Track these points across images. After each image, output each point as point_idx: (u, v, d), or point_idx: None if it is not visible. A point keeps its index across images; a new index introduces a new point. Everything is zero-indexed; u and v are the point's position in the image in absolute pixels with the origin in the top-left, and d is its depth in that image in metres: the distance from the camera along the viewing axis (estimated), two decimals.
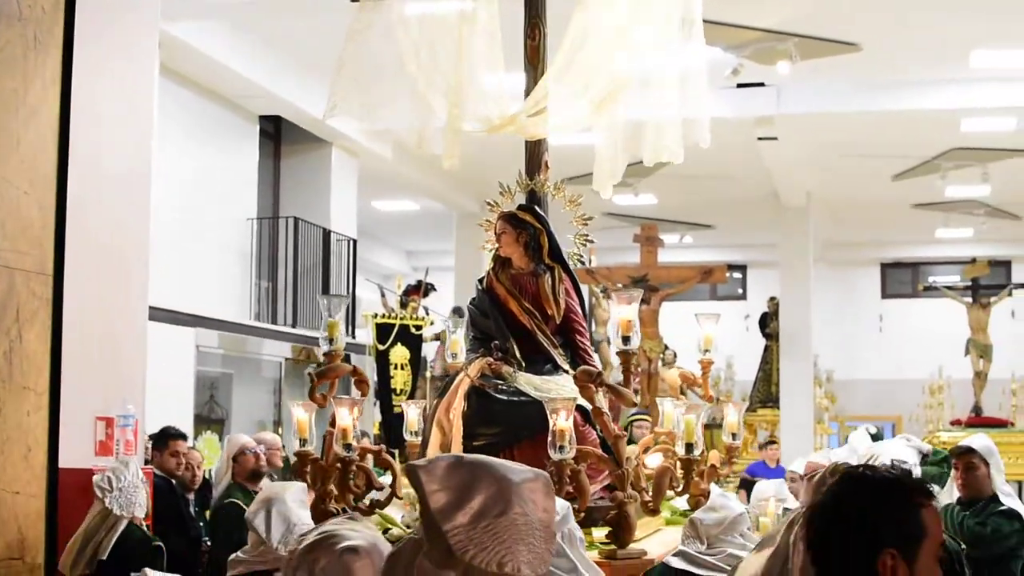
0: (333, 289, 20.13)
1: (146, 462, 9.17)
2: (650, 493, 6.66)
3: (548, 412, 5.94)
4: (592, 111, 7.29)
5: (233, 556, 6.31)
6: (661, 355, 21.05)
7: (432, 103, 7.44)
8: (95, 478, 7.82)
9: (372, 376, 14.83)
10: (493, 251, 7.48)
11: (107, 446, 8.72)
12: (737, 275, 32.99)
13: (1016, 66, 17.61)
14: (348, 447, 6.36)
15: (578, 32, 7.18)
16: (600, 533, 6.06)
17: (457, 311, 21.33)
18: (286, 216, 19.90)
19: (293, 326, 19.59)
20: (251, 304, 18.97)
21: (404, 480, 6.80)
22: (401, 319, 17.65)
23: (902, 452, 7.93)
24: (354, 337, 18.91)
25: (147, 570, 5.26)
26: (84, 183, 8.48)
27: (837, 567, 3.06)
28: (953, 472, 8.25)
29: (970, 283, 25.69)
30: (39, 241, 7.95)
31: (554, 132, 7.49)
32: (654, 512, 6.77)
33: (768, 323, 27.37)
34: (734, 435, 7.18)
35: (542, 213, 7.41)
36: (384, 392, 16.53)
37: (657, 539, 6.66)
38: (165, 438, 9.51)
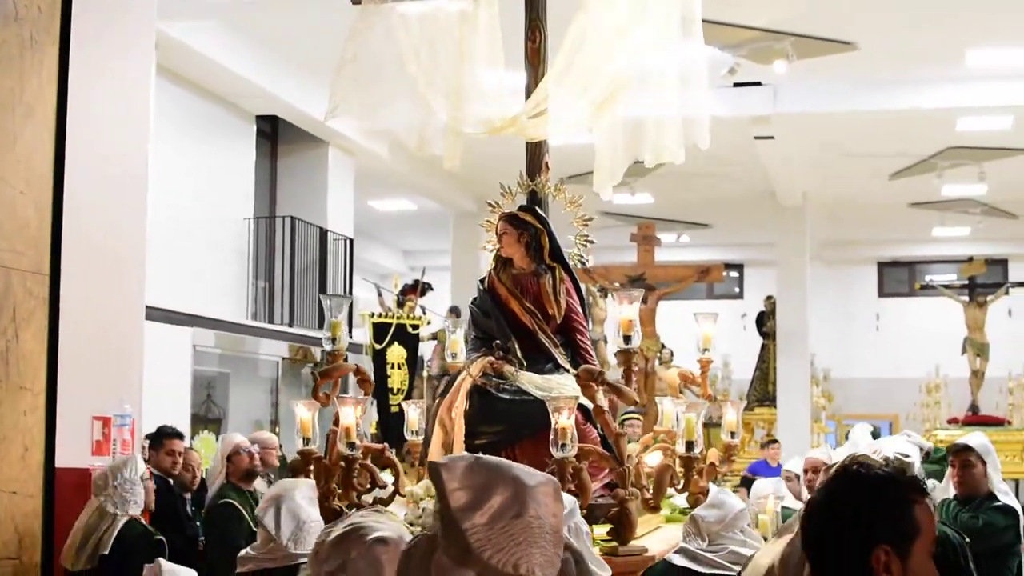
0: (330, 288, 20.14)
1: (145, 461, 9.16)
2: (651, 491, 6.70)
3: (550, 411, 5.96)
4: (592, 112, 7.31)
5: (242, 553, 6.34)
6: (658, 354, 21.07)
7: (432, 104, 7.46)
8: (95, 474, 7.84)
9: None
10: (494, 251, 7.51)
11: (104, 446, 8.73)
12: (734, 274, 33.02)
13: (1012, 65, 17.63)
14: (352, 445, 6.40)
15: (578, 34, 7.19)
16: (601, 530, 6.07)
17: (454, 310, 21.41)
18: (283, 215, 19.90)
19: (290, 325, 19.59)
20: (248, 303, 18.97)
21: (406, 478, 6.88)
22: (398, 318, 17.65)
23: (904, 448, 7.94)
24: (351, 336, 18.87)
25: (160, 560, 5.26)
26: (81, 182, 8.48)
27: (832, 563, 3.10)
28: (949, 470, 8.27)
29: (967, 282, 25.71)
30: (35, 241, 7.94)
31: (555, 134, 7.51)
32: (655, 509, 6.80)
33: (765, 322, 27.37)
34: (733, 433, 7.23)
35: (543, 214, 7.45)
36: (381, 391, 16.52)
37: (658, 536, 6.69)
38: (161, 437, 9.50)
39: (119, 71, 9.49)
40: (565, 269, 7.42)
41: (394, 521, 3.86)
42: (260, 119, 19.34)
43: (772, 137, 19.85)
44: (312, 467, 6.57)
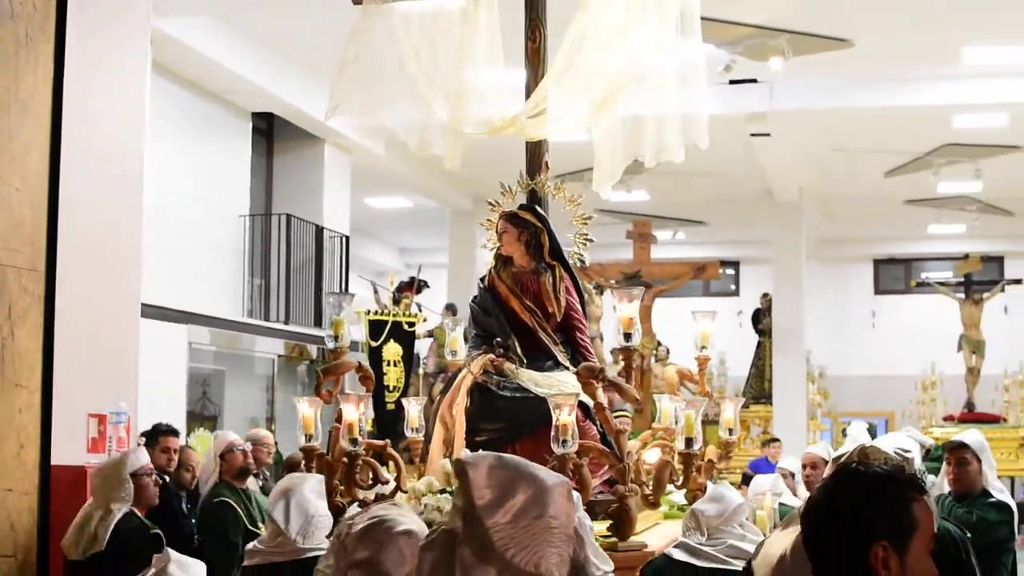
0: (326, 286, 20.13)
1: None
2: (650, 487, 6.76)
3: (551, 408, 6.02)
4: (592, 112, 7.34)
5: (250, 546, 6.37)
6: (654, 351, 21.08)
7: (432, 104, 7.49)
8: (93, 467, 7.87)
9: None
10: (494, 250, 7.57)
11: (100, 443, 8.71)
12: (730, 271, 33.03)
13: (1008, 62, 17.63)
14: (354, 442, 6.44)
15: (577, 34, 7.23)
16: (601, 526, 6.09)
17: (450, 308, 21.42)
18: (279, 213, 19.89)
19: (286, 323, 19.57)
20: (244, 301, 18.96)
21: (407, 475, 6.94)
22: (394, 316, 17.61)
23: (904, 444, 7.96)
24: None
25: (169, 550, 5.26)
26: (76, 180, 8.47)
27: (831, 559, 3.15)
28: (945, 467, 8.26)
29: (963, 279, 25.76)
30: (31, 238, 7.93)
31: (554, 134, 7.54)
32: (654, 506, 6.86)
33: (761, 319, 27.40)
34: (730, 430, 7.28)
35: (543, 212, 7.51)
36: (377, 389, 16.49)
37: (657, 532, 6.75)
38: (156, 434, 9.49)
39: (115, 68, 9.47)
40: (565, 267, 7.49)
41: (412, 515, 3.91)
42: (256, 116, 19.33)
43: (768, 134, 19.86)
44: (314, 464, 6.62)
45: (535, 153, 7.65)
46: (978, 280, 25.93)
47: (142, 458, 7.82)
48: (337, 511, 6.30)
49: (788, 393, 24.77)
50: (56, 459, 8.07)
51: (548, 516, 3.01)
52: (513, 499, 2.99)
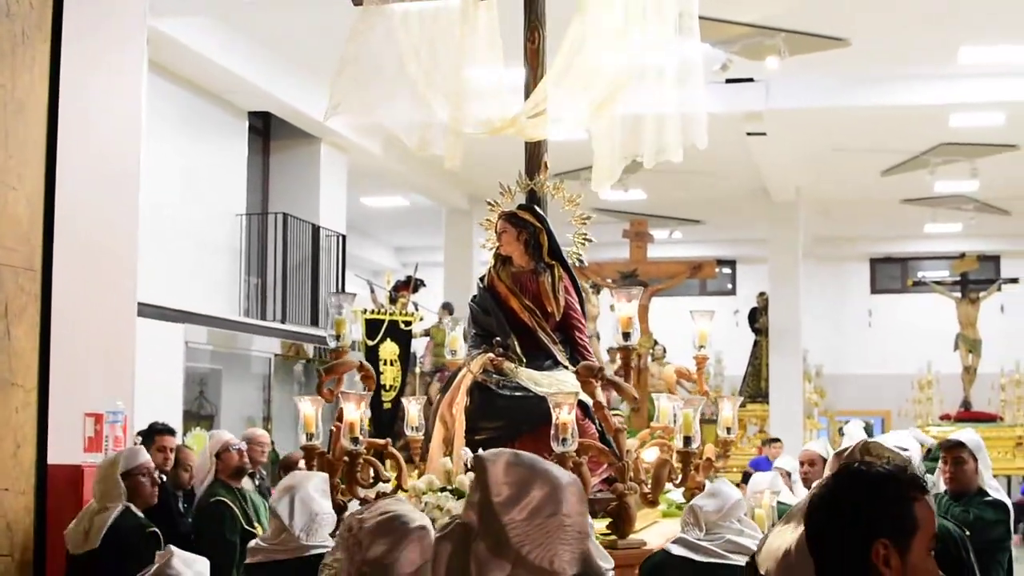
0: (322, 285, 20.12)
1: None
2: (649, 485, 6.82)
3: (551, 406, 6.10)
4: (592, 112, 7.37)
5: (252, 544, 6.39)
6: (651, 351, 21.08)
7: (433, 104, 7.51)
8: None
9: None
10: (494, 249, 7.64)
11: (96, 442, 8.70)
12: (726, 270, 33.03)
13: (1004, 61, 17.63)
14: (355, 440, 6.49)
15: (577, 35, 7.27)
16: (601, 524, 6.12)
17: (447, 307, 21.42)
18: (275, 212, 19.87)
19: (282, 322, 19.56)
20: (240, 300, 18.94)
21: (407, 473, 7.03)
22: (390, 315, 17.64)
23: (903, 442, 7.98)
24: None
25: (171, 547, 5.26)
26: (73, 179, 8.47)
27: (833, 558, 3.19)
28: (940, 465, 8.26)
29: (959, 278, 25.76)
30: (27, 237, 7.93)
31: (554, 134, 7.58)
32: (653, 504, 6.91)
33: (757, 318, 27.40)
34: (728, 429, 7.33)
35: (542, 212, 7.57)
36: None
37: (655, 530, 6.81)
38: (152, 434, 9.48)
39: (111, 67, 9.46)
40: (564, 267, 7.56)
41: (416, 510, 4.00)
42: (252, 115, 19.31)
43: (764, 133, 19.85)
44: (315, 462, 6.70)
45: (534, 153, 7.71)
46: (974, 279, 25.94)
47: (139, 457, 7.80)
48: (339, 509, 6.35)
49: (785, 392, 24.77)
50: (53, 458, 8.08)
51: (562, 514, 3.07)
52: (529, 496, 3.06)
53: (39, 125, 8.08)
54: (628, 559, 6.01)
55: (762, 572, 4.55)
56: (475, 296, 7.65)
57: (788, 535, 4.38)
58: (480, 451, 6.51)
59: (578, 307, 7.57)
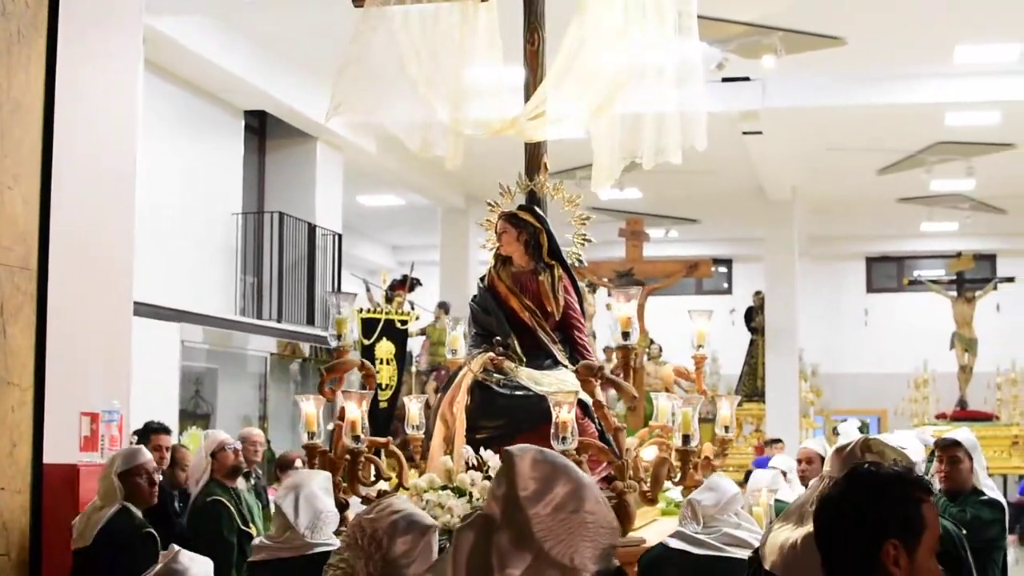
0: (318, 284, 20.13)
1: None
2: (648, 484, 6.90)
3: (551, 405, 6.18)
4: (591, 113, 7.40)
5: (257, 541, 6.41)
6: (647, 350, 21.08)
7: (433, 105, 7.54)
8: None
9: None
10: (494, 250, 7.70)
11: (92, 441, 8.69)
12: (722, 269, 33.03)
13: (1000, 60, 17.66)
14: (357, 439, 6.53)
15: (576, 36, 7.29)
16: None
17: (443, 306, 21.42)
18: (271, 211, 19.86)
19: (278, 321, 19.55)
20: (236, 299, 18.93)
21: (409, 471, 7.10)
22: (386, 314, 17.65)
23: (904, 441, 8.00)
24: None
25: (174, 545, 5.27)
26: (69, 178, 8.46)
27: (840, 556, 3.25)
28: (936, 464, 8.26)
29: (955, 277, 25.78)
30: (23, 236, 7.92)
31: (554, 135, 7.63)
32: (652, 502, 6.97)
33: (753, 317, 27.40)
34: (727, 428, 7.39)
35: (541, 213, 7.62)
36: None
37: (654, 528, 6.86)
38: (148, 433, 9.48)
39: (107, 66, 9.46)
40: (563, 267, 7.61)
41: (418, 508, 4.11)
42: (248, 114, 19.30)
43: (760, 132, 19.86)
44: (317, 461, 6.76)
45: (534, 154, 7.78)
46: (970, 278, 25.96)
47: (138, 457, 7.78)
48: (341, 507, 6.38)
49: (781, 391, 24.80)
50: (48, 457, 8.07)
51: (584, 511, 3.14)
52: (553, 492, 3.12)
53: (35, 124, 8.06)
54: (627, 557, 6.04)
55: (767, 567, 4.60)
56: (475, 296, 7.70)
57: (791, 531, 4.42)
58: (482, 449, 6.56)
59: (578, 307, 7.61)
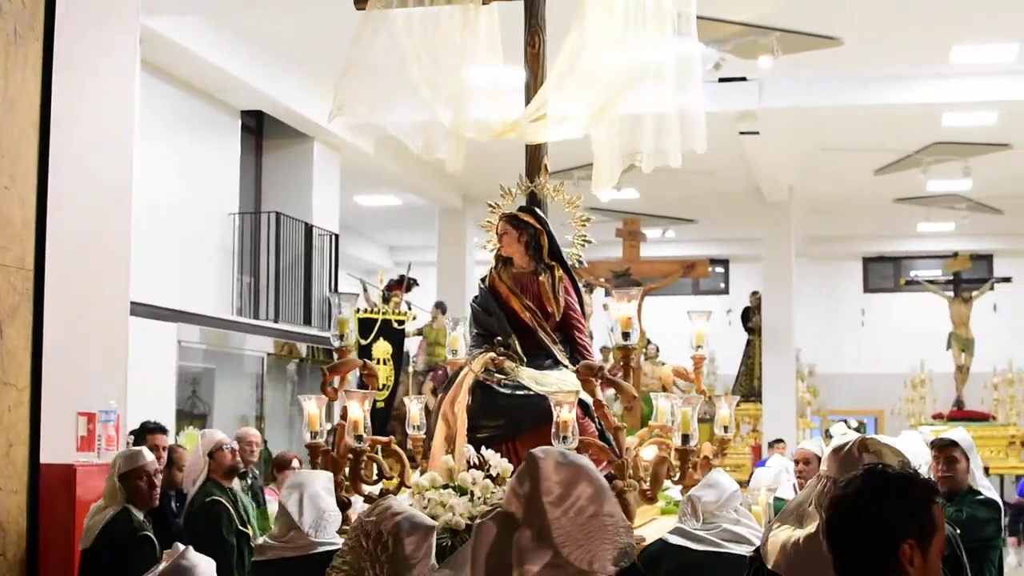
0: (315, 284, 20.11)
1: None
2: (648, 483, 6.94)
3: (552, 405, 6.22)
4: (592, 115, 7.44)
5: (260, 541, 6.44)
6: (644, 350, 21.08)
7: (435, 108, 7.57)
8: None
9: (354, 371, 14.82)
10: (495, 251, 7.74)
11: (89, 441, 8.69)
12: (719, 269, 33.02)
13: (997, 61, 17.66)
14: (359, 438, 6.57)
15: (577, 39, 7.33)
16: None
17: (439, 306, 21.41)
18: (268, 211, 19.84)
19: (275, 321, 19.54)
20: (233, 299, 18.92)
21: (410, 470, 7.15)
22: (383, 314, 17.65)
23: (915, 444, 8.05)
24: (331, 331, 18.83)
25: (178, 544, 5.27)
26: (65, 178, 8.46)
27: (854, 556, 3.30)
28: (932, 464, 8.26)
29: (952, 277, 25.80)
30: (20, 236, 7.92)
31: (554, 137, 7.68)
32: (651, 501, 7.03)
33: (750, 317, 27.41)
34: (726, 428, 7.50)
35: (542, 214, 7.67)
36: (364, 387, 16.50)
37: (654, 527, 6.90)
38: (144, 432, 9.48)
39: (103, 66, 9.45)
40: (564, 268, 7.66)
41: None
42: (245, 114, 19.28)
43: (757, 132, 19.86)
44: (319, 460, 6.79)
45: (534, 156, 7.86)
46: (967, 278, 25.98)
47: (138, 459, 7.76)
48: (343, 506, 6.41)
49: (777, 391, 24.80)
50: (45, 457, 8.07)
51: (603, 514, 3.25)
52: (575, 494, 3.22)
53: (32, 124, 8.06)
54: None
55: (769, 566, 4.64)
56: (476, 296, 7.75)
57: (792, 531, 4.46)
58: (483, 448, 6.59)
59: (578, 307, 7.66)
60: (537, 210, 7.67)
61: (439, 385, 17.29)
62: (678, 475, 7.13)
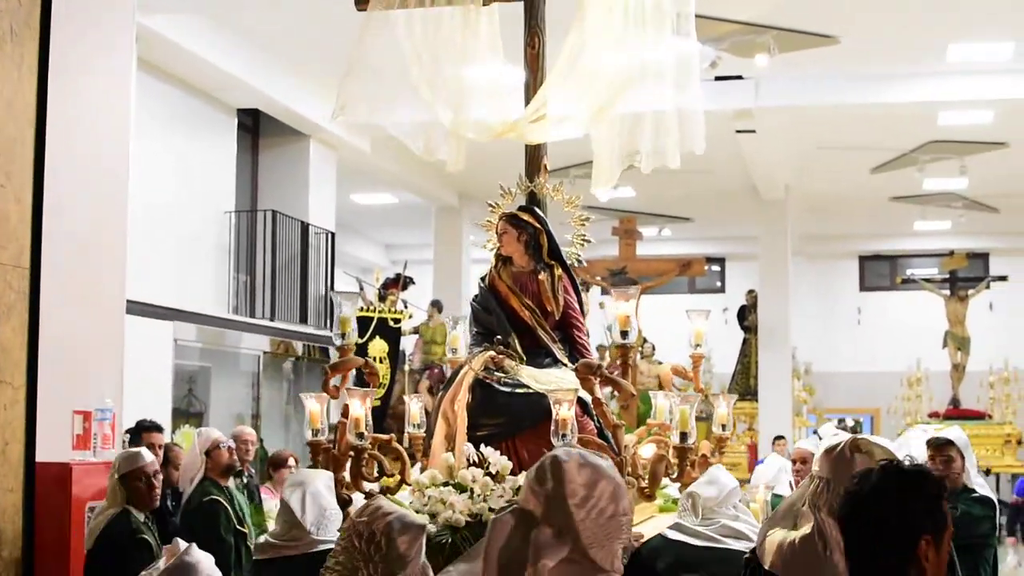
0: (311, 282, 20.12)
1: None
2: (646, 480, 7.02)
3: (551, 403, 6.27)
4: (592, 115, 7.46)
5: (263, 540, 6.46)
6: (640, 348, 21.10)
7: (436, 108, 7.60)
8: None
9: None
10: (495, 250, 7.77)
11: (85, 440, 8.67)
12: (716, 268, 33.04)
13: (993, 59, 17.68)
14: (360, 436, 6.60)
15: (577, 39, 7.33)
16: None
17: (436, 304, 21.42)
18: (264, 209, 19.85)
19: (271, 320, 19.54)
20: (229, 297, 18.92)
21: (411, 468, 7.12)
22: (379, 312, 17.61)
23: (917, 442, 8.06)
24: (332, 330, 18.83)
25: (178, 539, 5.27)
26: (62, 176, 8.44)
27: (873, 552, 3.32)
28: (928, 463, 8.26)
29: (948, 276, 25.84)
30: (16, 234, 7.91)
31: (554, 138, 7.72)
32: (650, 498, 7.08)
33: (747, 316, 27.43)
34: (724, 426, 7.55)
35: (541, 214, 7.71)
36: (362, 385, 16.49)
37: (652, 524, 6.93)
38: (139, 431, 9.47)
39: (100, 64, 9.43)
40: (563, 267, 7.71)
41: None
42: (241, 113, 19.29)
43: (754, 131, 19.87)
44: (320, 458, 6.79)
45: (534, 155, 7.91)
46: (963, 277, 26.03)
47: (137, 460, 7.73)
48: (344, 504, 6.43)
49: (774, 390, 24.81)
50: (41, 456, 8.05)
51: (620, 514, 3.32)
52: (596, 494, 3.30)
53: (28, 122, 8.05)
54: None
55: (766, 566, 4.66)
56: (476, 295, 7.79)
57: (788, 531, 4.49)
58: (483, 446, 6.61)
59: (577, 306, 7.70)
60: (537, 210, 7.70)
61: (435, 383, 17.32)
62: (676, 473, 7.16)
